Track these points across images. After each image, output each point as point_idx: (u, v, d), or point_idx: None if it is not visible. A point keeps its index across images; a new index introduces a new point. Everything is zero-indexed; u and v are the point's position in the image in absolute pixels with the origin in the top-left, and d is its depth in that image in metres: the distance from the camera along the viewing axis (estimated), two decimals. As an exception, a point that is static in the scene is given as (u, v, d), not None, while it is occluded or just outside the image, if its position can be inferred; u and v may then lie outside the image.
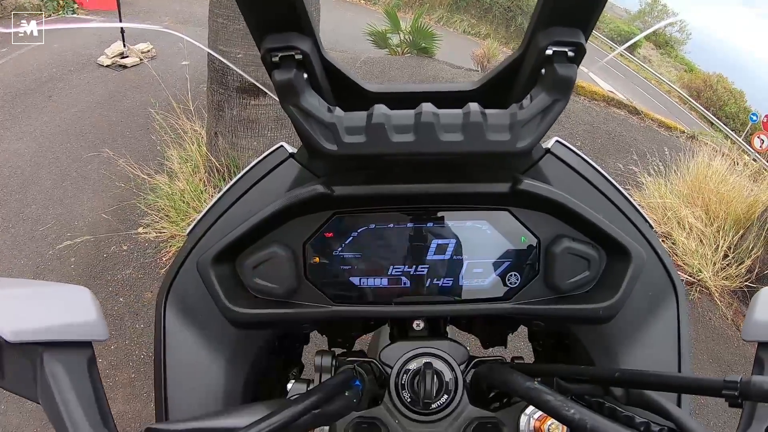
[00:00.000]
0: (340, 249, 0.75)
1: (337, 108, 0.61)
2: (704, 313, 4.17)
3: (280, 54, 0.57)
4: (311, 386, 0.79)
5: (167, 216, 3.65)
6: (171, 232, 3.60)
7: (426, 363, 0.77)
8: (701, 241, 4.50)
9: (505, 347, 1.07)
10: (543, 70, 0.59)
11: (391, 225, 0.75)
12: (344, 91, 0.68)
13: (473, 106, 0.60)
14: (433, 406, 0.76)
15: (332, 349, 0.89)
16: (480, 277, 0.76)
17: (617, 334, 0.76)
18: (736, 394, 0.46)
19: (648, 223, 0.77)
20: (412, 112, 0.60)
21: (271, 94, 0.69)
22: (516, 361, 0.84)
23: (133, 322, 3.45)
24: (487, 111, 0.60)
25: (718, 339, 3.98)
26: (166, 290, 0.77)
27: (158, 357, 0.76)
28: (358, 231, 0.75)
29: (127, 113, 6.08)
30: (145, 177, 3.87)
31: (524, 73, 0.63)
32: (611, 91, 7.88)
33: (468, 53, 11.23)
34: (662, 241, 4.45)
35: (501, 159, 0.70)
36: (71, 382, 0.55)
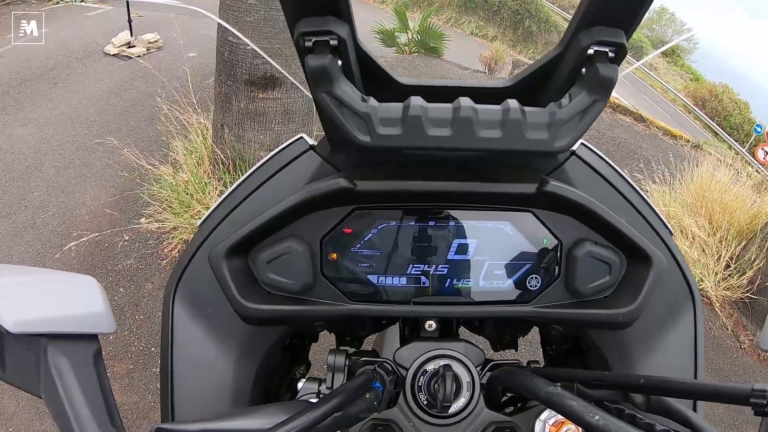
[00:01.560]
0: (358, 246, 0.73)
1: (372, 98, 0.59)
2: (704, 323, 4.14)
3: (314, 38, 0.54)
4: (323, 386, 0.77)
5: (170, 207, 3.64)
6: (174, 224, 3.59)
7: (445, 365, 0.75)
8: (703, 250, 4.50)
9: (516, 350, 1.06)
10: (583, 70, 0.58)
11: (412, 223, 0.74)
12: (376, 82, 0.66)
13: (512, 103, 0.58)
14: (450, 409, 0.74)
15: (344, 348, 0.88)
16: (500, 278, 0.75)
17: (635, 339, 0.75)
18: (764, 402, 0.45)
19: (668, 229, 0.76)
20: (449, 105, 0.59)
21: (299, 86, 0.67)
22: (534, 366, 0.82)
23: (132, 312, 3.43)
24: (527, 108, 0.58)
25: (717, 349, 3.98)
26: (175, 282, 0.75)
27: (165, 352, 0.74)
28: (378, 228, 0.73)
29: (132, 103, 6.07)
30: (149, 167, 3.86)
31: (563, 71, 0.62)
32: (617, 98, 7.86)
33: (476, 55, 11.22)
34: (665, 249, 4.45)
35: (533, 158, 0.70)
36: (76, 377, 0.52)
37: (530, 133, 0.58)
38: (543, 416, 0.73)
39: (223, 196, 0.76)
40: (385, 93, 0.63)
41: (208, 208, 3.46)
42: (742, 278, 4.27)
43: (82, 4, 9.80)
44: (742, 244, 4.48)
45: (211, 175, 3.65)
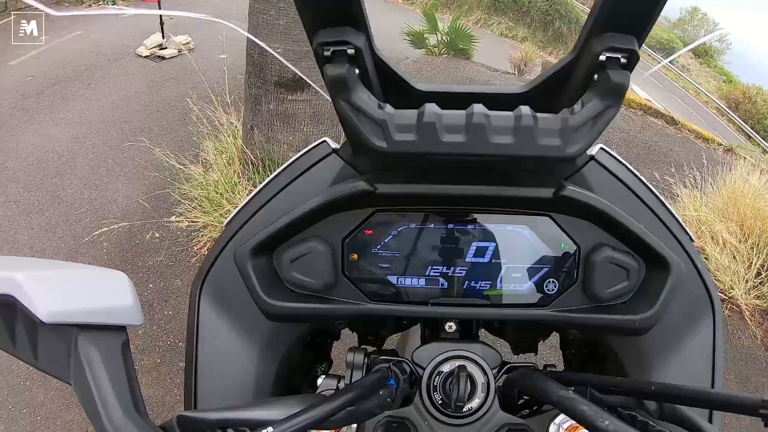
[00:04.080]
0: (379, 247, 0.76)
1: (388, 105, 0.61)
2: (733, 332, 4.07)
3: (332, 48, 0.57)
4: (342, 383, 0.79)
5: (200, 206, 3.71)
6: (203, 222, 3.66)
7: (460, 366, 0.76)
8: (734, 257, 4.39)
9: (536, 354, 1.06)
10: (596, 76, 0.59)
11: (432, 225, 0.76)
12: (393, 88, 0.68)
13: (525, 109, 0.60)
14: (464, 409, 0.75)
15: (364, 346, 0.90)
16: (518, 282, 0.76)
17: (652, 346, 0.75)
18: None
19: (689, 236, 0.76)
20: (463, 112, 0.60)
21: (320, 91, 0.69)
22: (549, 369, 0.83)
23: (162, 308, 3.52)
24: (539, 115, 0.60)
25: (746, 359, 3.88)
26: (202, 279, 0.78)
27: (191, 345, 0.77)
28: (398, 230, 0.76)
29: (164, 104, 6.20)
30: (180, 167, 3.94)
31: (576, 78, 0.63)
32: (648, 100, 7.72)
33: (505, 56, 11.13)
34: (694, 255, 4.36)
35: (547, 164, 0.71)
36: (105, 366, 0.55)
37: (542, 139, 0.59)
38: (557, 420, 0.74)
39: (249, 197, 0.79)
40: (403, 98, 0.65)
41: (236, 207, 3.55)
42: (774, 287, 4.17)
43: (115, 6, 10.03)
44: (775, 252, 4.36)
45: (241, 175, 3.71)
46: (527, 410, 0.82)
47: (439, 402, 0.76)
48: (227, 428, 0.56)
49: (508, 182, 0.71)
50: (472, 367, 0.78)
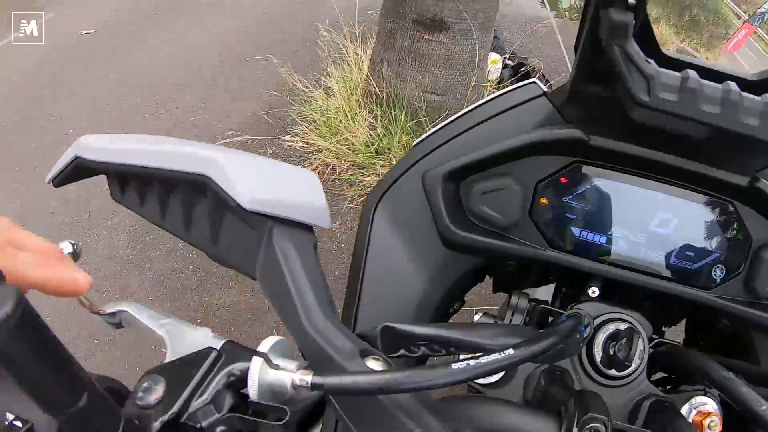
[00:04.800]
0: (570, 197, 0.77)
1: (653, 61, 0.62)
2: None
3: None
4: (498, 322, 0.81)
5: (317, 129, 3.80)
6: (318, 146, 3.75)
7: (629, 328, 0.77)
8: None
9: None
10: None
11: (627, 186, 0.76)
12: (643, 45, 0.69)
13: None
14: (621, 373, 0.76)
15: (525, 291, 0.91)
16: (691, 260, 0.77)
17: None
18: None
19: None
20: (720, 86, 0.61)
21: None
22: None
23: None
24: None
25: None
26: (380, 195, 0.80)
27: (359, 259, 0.79)
28: (593, 184, 0.76)
29: (294, 26, 6.24)
30: (303, 89, 4.03)
31: None
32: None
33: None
34: None
35: (746, 149, 0.70)
36: (301, 262, 0.53)
37: None
38: (693, 401, 0.74)
39: (443, 123, 0.80)
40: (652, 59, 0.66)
41: (354, 135, 3.56)
42: None
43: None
44: None
45: (363, 107, 3.75)
46: (668, 386, 0.84)
47: (599, 359, 0.77)
48: (435, 344, 0.57)
49: (709, 162, 0.71)
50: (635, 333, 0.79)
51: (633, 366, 0.77)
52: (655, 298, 1.03)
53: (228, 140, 4.03)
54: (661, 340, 0.84)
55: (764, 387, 0.64)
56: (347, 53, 4.15)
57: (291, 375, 0.43)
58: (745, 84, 0.66)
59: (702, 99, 0.60)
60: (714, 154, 0.71)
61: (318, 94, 3.95)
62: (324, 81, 4.11)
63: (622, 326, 0.77)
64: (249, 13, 6.43)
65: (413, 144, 0.83)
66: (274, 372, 0.44)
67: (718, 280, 0.77)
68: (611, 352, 0.76)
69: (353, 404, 0.46)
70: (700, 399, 0.74)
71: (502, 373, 0.76)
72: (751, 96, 0.61)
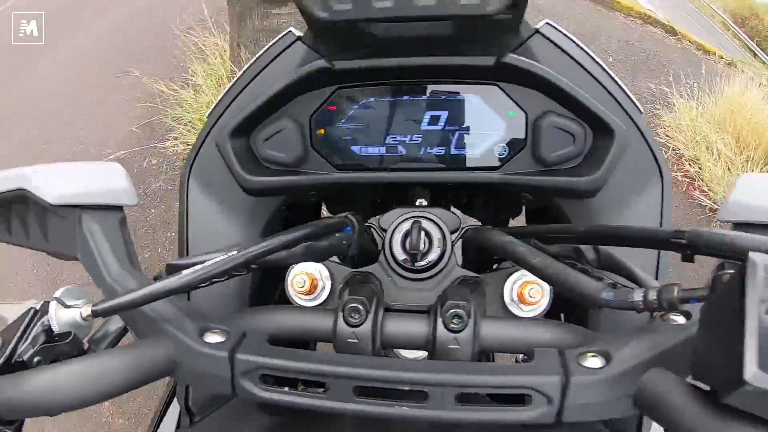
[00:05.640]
0: (343, 121, 0.83)
1: None
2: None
3: None
4: None
5: (194, 128, 3.71)
6: (198, 145, 3.66)
7: (415, 220, 0.84)
8: (728, 168, 4.39)
9: None
10: None
11: (388, 98, 0.82)
12: None
13: None
14: (423, 263, 0.83)
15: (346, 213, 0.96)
16: (470, 147, 0.82)
17: (600, 209, 0.80)
18: (683, 242, 0.51)
19: (637, 107, 0.79)
20: None
21: None
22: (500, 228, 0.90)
23: (164, 231, 3.60)
24: None
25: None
26: (189, 165, 0.86)
27: (182, 224, 0.87)
28: (359, 104, 0.83)
29: (147, 33, 5.97)
30: (170, 92, 3.91)
31: None
32: (650, 10, 7.44)
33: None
34: (689, 165, 4.38)
35: (487, 33, 0.75)
36: (105, 237, 0.66)
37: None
38: (514, 276, 0.80)
39: (225, 90, 0.86)
40: None
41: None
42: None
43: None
44: (770, 165, 4.36)
45: (231, 95, 3.68)
46: (488, 270, 0.89)
47: (402, 259, 0.84)
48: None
49: (453, 52, 0.76)
50: (427, 224, 0.85)
51: (434, 255, 0.83)
52: (470, 199, 1.11)
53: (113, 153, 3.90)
54: (471, 226, 0.89)
55: (556, 242, 0.69)
56: (207, 46, 4.05)
57: (79, 310, 0.57)
58: None
59: None
60: (455, 46, 0.76)
61: (187, 94, 3.84)
62: (191, 79, 4.00)
63: (413, 220, 0.84)
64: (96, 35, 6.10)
65: (206, 115, 0.88)
66: (67, 310, 0.58)
67: (504, 158, 0.81)
68: (408, 248, 0.81)
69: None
70: (520, 273, 0.79)
71: (326, 294, 0.84)
72: None
